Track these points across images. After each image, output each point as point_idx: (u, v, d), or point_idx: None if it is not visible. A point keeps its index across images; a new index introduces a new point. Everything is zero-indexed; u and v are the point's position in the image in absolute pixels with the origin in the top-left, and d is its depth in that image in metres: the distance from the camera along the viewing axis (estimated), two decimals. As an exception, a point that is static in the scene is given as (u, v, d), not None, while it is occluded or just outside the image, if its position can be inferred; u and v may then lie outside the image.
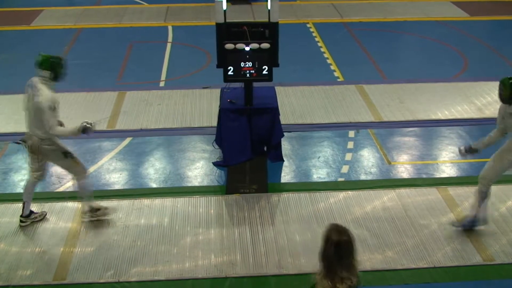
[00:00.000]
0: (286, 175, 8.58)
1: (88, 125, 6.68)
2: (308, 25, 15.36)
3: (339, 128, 9.79)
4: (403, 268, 6.60)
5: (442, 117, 10.18)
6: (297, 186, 8.21)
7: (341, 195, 7.97)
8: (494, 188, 7.95)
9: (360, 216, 7.52)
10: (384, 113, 10.21)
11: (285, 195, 7.97)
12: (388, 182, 8.27)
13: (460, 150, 7.15)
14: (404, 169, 8.71)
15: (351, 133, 9.67)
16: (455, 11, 16.73)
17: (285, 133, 9.01)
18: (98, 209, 7.35)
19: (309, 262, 6.66)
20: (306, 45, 13.98)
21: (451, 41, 14.31)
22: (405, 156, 9.10)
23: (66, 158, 6.97)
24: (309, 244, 6.96)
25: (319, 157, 8.89)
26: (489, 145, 7.01)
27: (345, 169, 8.66)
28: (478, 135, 9.60)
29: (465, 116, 10.25)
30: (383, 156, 8.97)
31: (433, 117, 10.17)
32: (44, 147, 6.82)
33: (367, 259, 6.71)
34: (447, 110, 10.39)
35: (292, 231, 7.21)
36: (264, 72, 8.27)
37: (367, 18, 16.01)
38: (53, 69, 6.65)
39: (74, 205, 7.68)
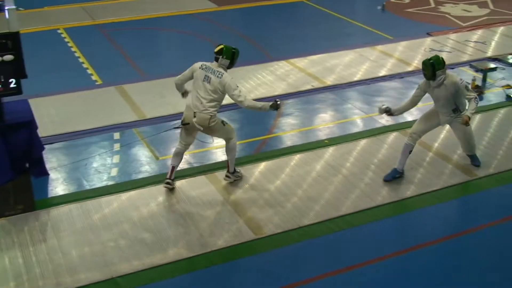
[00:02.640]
0: (54, 189, 8.22)
1: (279, 103, 7.56)
2: (59, 31, 14.78)
3: (104, 132, 9.59)
4: (182, 259, 6.74)
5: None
6: (67, 197, 7.91)
7: (114, 199, 7.86)
8: (279, 161, 8.48)
9: (135, 217, 7.49)
10: (147, 110, 10.26)
11: (55, 209, 7.65)
12: (159, 178, 8.32)
13: (380, 108, 8.21)
14: (173, 163, 8.85)
15: (117, 135, 9.56)
16: (204, 3, 17.33)
17: (46, 146, 8.63)
18: (237, 171, 8.18)
19: (88, 272, 6.50)
20: (60, 52, 13.43)
21: (205, 32, 14.82)
22: (172, 149, 9.22)
23: (224, 126, 7.75)
24: (86, 255, 6.79)
25: (86, 164, 8.67)
26: (403, 113, 8.50)
27: (114, 172, 8.55)
28: (249, 117, 10.07)
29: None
30: (150, 153, 9.03)
31: (195, 107, 10.43)
32: (212, 124, 7.56)
33: (149, 262, 6.70)
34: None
35: (66, 246, 6.94)
36: (12, 85, 7.77)
37: (120, 18, 15.87)
38: (232, 59, 7.51)
39: None
